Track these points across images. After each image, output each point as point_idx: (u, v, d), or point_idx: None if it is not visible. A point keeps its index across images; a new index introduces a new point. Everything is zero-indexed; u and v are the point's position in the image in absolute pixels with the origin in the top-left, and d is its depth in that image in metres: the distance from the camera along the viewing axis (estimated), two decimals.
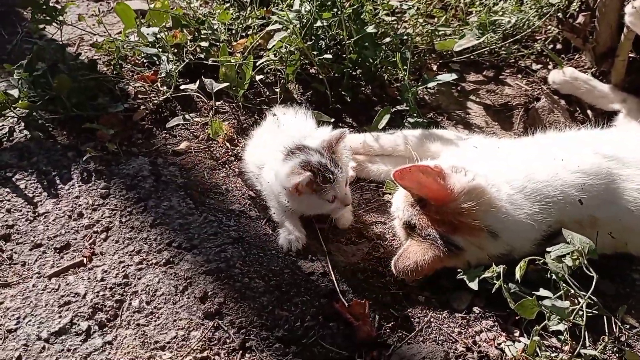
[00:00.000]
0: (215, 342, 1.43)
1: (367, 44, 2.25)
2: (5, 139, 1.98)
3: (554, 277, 1.47)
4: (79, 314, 1.48)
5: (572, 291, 1.40)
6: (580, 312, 1.38)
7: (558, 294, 1.45)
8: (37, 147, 1.95)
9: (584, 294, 1.39)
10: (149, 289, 1.54)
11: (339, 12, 2.16)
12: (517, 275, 1.42)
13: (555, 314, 1.41)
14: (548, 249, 1.42)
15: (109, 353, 1.40)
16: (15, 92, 2.02)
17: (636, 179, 1.61)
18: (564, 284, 1.41)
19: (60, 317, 1.47)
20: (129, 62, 2.38)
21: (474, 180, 1.58)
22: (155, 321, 1.47)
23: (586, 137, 1.83)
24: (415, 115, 2.16)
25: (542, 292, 1.48)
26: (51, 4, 2.23)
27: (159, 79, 2.29)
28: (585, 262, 1.37)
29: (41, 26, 2.31)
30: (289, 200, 1.67)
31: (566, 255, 1.40)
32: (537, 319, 1.44)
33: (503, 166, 1.68)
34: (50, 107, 2.06)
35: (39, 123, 2.05)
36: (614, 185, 1.61)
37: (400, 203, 1.70)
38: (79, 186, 1.84)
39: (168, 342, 1.43)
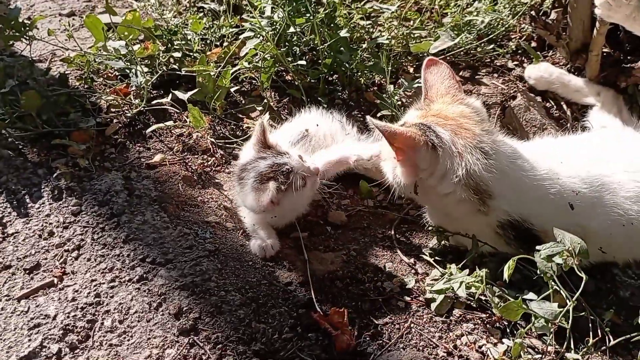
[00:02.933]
0: (191, 359, 1.39)
1: (341, 48, 2.23)
2: None
3: (536, 277, 1.47)
4: (49, 337, 1.43)
5: (561, 292, 1.39)
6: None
7: (544, 295, 1.43)
8: (6, 165, 1.91)
9: (571, 295, 1.37)
10: (121, 307, 1.50)
11: (312, 17, 2.14)
12: (506, 275, 1.41)
13: (541, 317, 1.40)
14: (538, 247, 1.40)
15: None
16: None
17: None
18: (552, 284, 1.39)
19: (29, 340, 1.42)
20: (101, 76, 2.34)
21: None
22: (128, 340, 1.43)
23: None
24: None
25: (530, 295, 1.48)
26: (22, 20, 2.19)
27: (131, 92, 2.26)
28: (576, 262, 1.35)
29: (10, 43, 2.27)
30: (276, 215, 1.68)
31: (556, 254, 1.38)
32: (520, 321, 1.43)
33: None
34: (20, 124, 2.02)
35: (9, 141, 2.00)
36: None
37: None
38: (50, 204, 1.79)
39: None
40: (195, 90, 2.15)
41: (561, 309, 1.39)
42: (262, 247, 1.67)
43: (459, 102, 1.63)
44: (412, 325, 1.52)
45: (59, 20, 2.83)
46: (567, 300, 1.38)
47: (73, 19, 2.89)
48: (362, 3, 2.71)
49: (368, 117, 1.53)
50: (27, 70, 2.11)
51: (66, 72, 2.32)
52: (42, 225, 1.73)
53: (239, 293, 1.54)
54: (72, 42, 2.38)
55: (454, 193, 1.54)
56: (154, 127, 2.07)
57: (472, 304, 1.57)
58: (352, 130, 2.04)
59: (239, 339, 1.43)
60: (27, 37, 2.21)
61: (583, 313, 1.45)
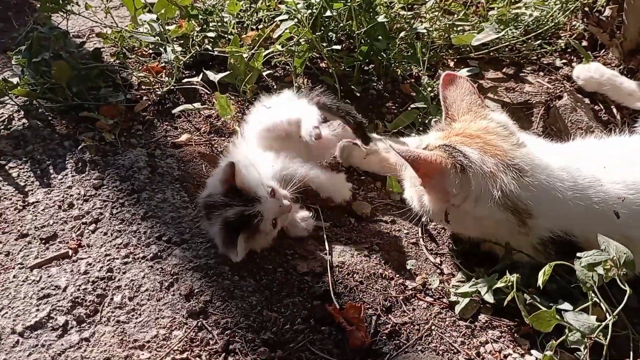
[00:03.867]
0: (198, 343, 1.34)
1: (379, 36, 2.14)
2: (2, 127, 1.93)
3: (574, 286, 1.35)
4: (58, 308, 1.40)
5: (601, 305, 1.27)
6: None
7: (582, 307, 1.32)
8: (33, 135, 1.91)
9: (612, 309, 1.26)
10: (133, 284, 1.46)
11: (350, 1, 2.06)
12: (540, 281, 1.29)
13: (576, 330, 1.28)
14: (579, 254, 1.29)
15: (85, 350, 1.32)
16: (15, 80, 1.98)
17: None
18: (592, 296, 1.27)
19: (37, 310, 1.40)
20: (135, 53, 2.32)
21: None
22: (136, 318, 1.39)
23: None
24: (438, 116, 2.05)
25: (565, 305, 1.36)
26: None
27: (163, 71, 2.24)
28: (620, 273, 1.23)
29: (50, 14, 2.28)
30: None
31: (598, 263, 1.27)
32: (552, 332, 1.31)
33: None
34: (51, 95, 2.01)
35: (39, 112, 2.00)
36: None
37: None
38: (72, 176, 1.77)
39: (148, 341, 1.34)
40: (227, 72, 2.10)
41: (600, 323, 1.27)
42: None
43: (482, 118, 1.51)
44: (433, 327, 1.43)
45: None
46: (607, 314, 1.26)
47: None
48: None
49: (389, 143, 1.41)
50: (61, 43, 2.10)
51: (101, 48, 2.32)
52: (62, 197, 1.71)
53: (253, 279, 1.48)
54: (111, 20, 2.37)
55: (490, 216, 1.42)
56: (181, 107, 2.03)
57: (499, 310, 1.46)
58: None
59: (249, 326, 1.37)
60: (65, 11, 2.22)
61: (625, 332, 1.33)
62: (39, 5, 2.73)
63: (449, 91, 1.56)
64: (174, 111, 2.02)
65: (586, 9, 2.23)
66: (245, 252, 1.43)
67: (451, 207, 1.46)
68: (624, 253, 1.24)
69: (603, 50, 2.34)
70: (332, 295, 1.45)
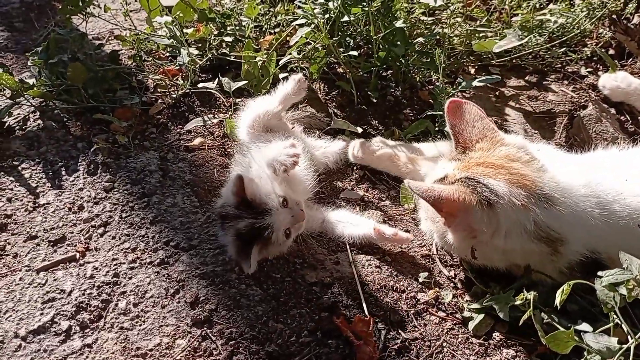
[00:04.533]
0: (201, 353, 1.31)
1: (397, 41, 2.10)
2: (18, 127, 1.94)
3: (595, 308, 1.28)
4: (62, 313, 1.39)
5: (622, 326, 1.20)
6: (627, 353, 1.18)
7: (603, 328, 1.25)
8: (47, 136, 1.90)
9: (634, 330, 1.19)
10: (138, 289, 1.44)
11: (368, 6, 2.02)
12: (558, 300, 1.23)
13: (596, 352, 1.21)
14: (600, 273, 1.22)
15: (87, 357, 1.30)
16: (32, 81, 1.99)
17: None
18: (614, 317, 1.20)
19: (42, 314, 1.39)
20: (152, 56, 2.32)
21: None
22: (140, 325, 1.37)
23: None
24: None
25: (584, 325, 1.29)
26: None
27: (180, 74, 2.23)
28: None
29: (70, 16, 2.28)
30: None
31: (620, 283, 1.20)
32: (570, 355, 1.25)
33: None
34: (67, 97, 2.02)
35: (54, 113, 2.01)
36: None
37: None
38: (84, 178, 1.77)
39: (150, 350, 1.31)
40: (243, 82, 2.08)
41: (621, 346, 1.20)
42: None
43: (500, 144, 1.43)
44: (444, 343, 1.38)
45: (121, 1, 2.86)
46: (629, 337, 1.19)
47: (135, 0, 2.91)
48: None
49: (407, 181, 1.33)
50: (78, 44, 2.11)
51: (120, 51, 2.32)
52: (73, 199, 1.71)
53: (260, 288, 1.45)
54: (130, 23, 2.38)
55: (522, 249, 1.35)
56: (192, 123, 2.01)
57: (515, 328, 1.40)
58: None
59: (254, 337, 1.33)
60: (84, 13, 2.22)
61: None
62: (60, 7, 2.77)
63: (456, 118, 1.46)
64: (185, 127, 2.00)
65: (614, 16, 2.15)
66: (256, 265, 1.42)
67: (478, 243, 1.39)
68: None
69: (630, 59, 2.26)
70: (340, 307, 1.41)
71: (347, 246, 1.61)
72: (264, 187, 1.48)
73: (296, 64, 2.25)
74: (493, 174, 1.34)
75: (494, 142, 1.43)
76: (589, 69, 2.28)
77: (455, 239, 1.42)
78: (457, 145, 1.47)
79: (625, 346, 1.19)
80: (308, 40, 2.15)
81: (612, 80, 2.09)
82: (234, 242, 1.45)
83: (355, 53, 2.07)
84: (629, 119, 2.10)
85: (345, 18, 2.05)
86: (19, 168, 1.79)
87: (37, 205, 1.69)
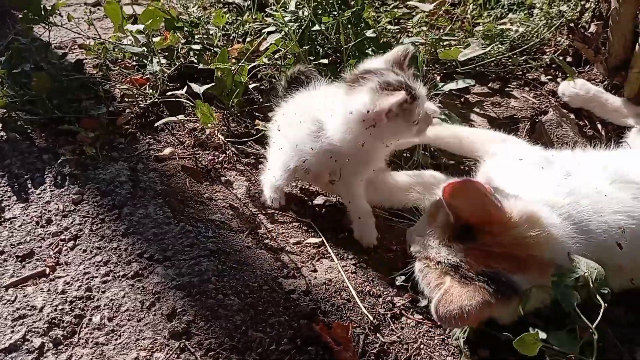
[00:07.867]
0: None
1: (369, 49, 2.13)
2: None
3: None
4: (33, 330, 1.35)
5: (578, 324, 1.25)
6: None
7: (568, 328, 1.29)
8: (11, 149, 1.85)
9: (605, 325, 1.24)
10: (112, 303, 1.41)
11: (338, 16, 2.05)
12: (521, 308, 1.29)
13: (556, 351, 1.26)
14: (552, 278, 1.27)
15: None
16: None
17: None
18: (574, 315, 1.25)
19: (12, 332, 1.34)
20: (118, 65, 2.28)
21: (529, 206, 1.36)
22: (115, 340, 1.34)
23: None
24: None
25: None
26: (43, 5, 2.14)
27: (147, 83, 2.20)
28: (594, 289, 1.22)
29: (31, 26, 2.23)
30: (366, 135, 1.46)
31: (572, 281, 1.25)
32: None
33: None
34: (31, 107, 1.96)
35: (18, 124, 1.95)
36: None
37: (428, 241, 1.39)
38: (51, 191, 1.72)
39: None
40: (212, 84, 2.07)
41: (581, 340, 1.24)
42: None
43: (513, 227, 1.31)
44: (422, 346, 1.40)
45: (84, 10, 2.80)
46: (594, 333, 1.24)
47: (98, 9, 2.86)
48: (391, 7, 2.63)
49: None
50: (42, 54, 2.06)
51: (84, 60, 2.28)
52: (40, 212, 1.66)
53: (237, 297, 1.44)
54: (94, 31, 2.34)
55: None
56: (164, 120, 1.99)
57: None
58: None
59: (233, 347, 1.33)
60: (46, 23, 2.17)
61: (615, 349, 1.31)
62: (20, 16, 2.70)
63: (457, 200, 1.31)
64: (157, 124, 1.98)
65: (571, 25, 2.24)
66: (396, 107, 1.43)
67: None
68: (595, 269, 1.24)
69: (588, 66, 2.36)
70: (319, 313, 1.41)
71: (331, 251, 1.62)
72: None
73: (266, 72, 2.26)
74: (514, 268, 1.29)
75: (502, 222, 1.31)
76: (549, 76, 2.37)
77: None
78: (456, 222, 1.34)
79: (582, 340, 1.23)
80: (278, 47, 2.16)
81: (572, 88, 2.18)
82: (377, 86, 1.47)
83: (325, 61, 2.09)
84: (587, 123, 2.19)
85: (316, 27, 2.07)
86: None
87: (2, 219, 1.64)
